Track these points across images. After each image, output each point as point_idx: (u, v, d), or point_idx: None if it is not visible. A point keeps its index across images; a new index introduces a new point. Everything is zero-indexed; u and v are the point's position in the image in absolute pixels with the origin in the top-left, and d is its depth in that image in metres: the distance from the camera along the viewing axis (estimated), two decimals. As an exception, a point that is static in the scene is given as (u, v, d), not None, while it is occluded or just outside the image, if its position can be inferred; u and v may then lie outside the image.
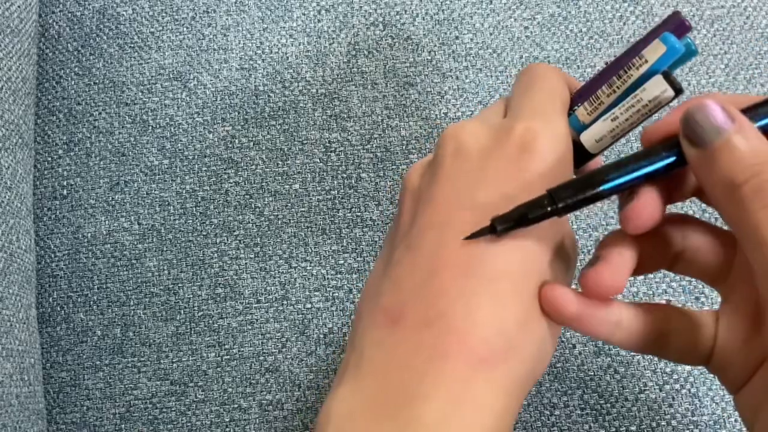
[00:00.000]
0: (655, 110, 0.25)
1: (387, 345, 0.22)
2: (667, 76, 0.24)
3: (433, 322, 0.22)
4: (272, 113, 0.46)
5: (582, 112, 0.27)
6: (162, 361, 0.42)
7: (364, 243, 0.43)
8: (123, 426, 0.41)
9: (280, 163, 0.45)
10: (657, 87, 0.25)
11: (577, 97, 0.28)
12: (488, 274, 0.22)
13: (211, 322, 0.42)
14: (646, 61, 0.25)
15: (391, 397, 0.21)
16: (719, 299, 0.40)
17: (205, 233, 0.44)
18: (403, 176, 0.28)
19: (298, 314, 0.42)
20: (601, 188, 0.23)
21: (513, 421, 0.22)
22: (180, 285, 0.43)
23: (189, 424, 0.41)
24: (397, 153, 0.45)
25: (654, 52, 0.25)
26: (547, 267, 0.24)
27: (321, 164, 0.45)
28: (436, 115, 0.45)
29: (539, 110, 0.25)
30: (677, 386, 0.39)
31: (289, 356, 0.41)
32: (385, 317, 0.23)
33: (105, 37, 0.49)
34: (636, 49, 0.26)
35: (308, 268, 0.43)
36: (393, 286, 0.23)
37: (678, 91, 0.24)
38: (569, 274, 0.26)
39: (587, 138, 0.26)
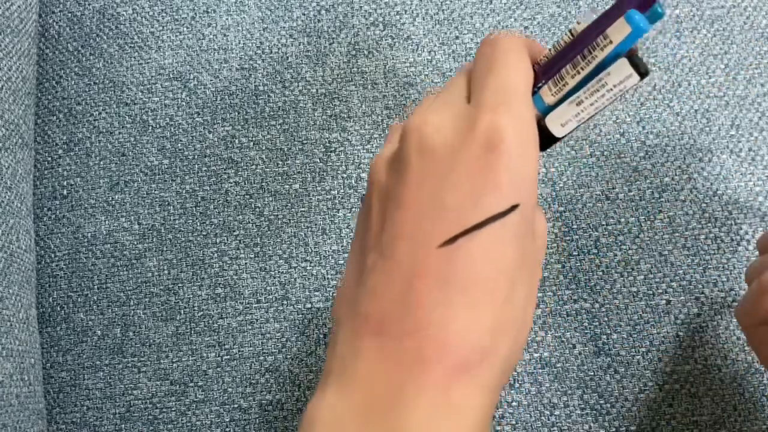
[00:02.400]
0: (621, 94, 0.24)
1: (369, 354, 0.23)
2: (632, 59, 0.24)
3: (412, 333, 0.23)
4: (272, 113, 0.46)
5: (546, 93, 0.26)
6: (162, 361, 0.42)
7: (364, 243, 0.43)
8: (123, 426, 0.41)
9: (280, 163, 0.45)
10: (622, 71, 0.24)
11: (542, 73, 0.27)
12: (461, 283, 0.23)
13: (211, 322, 0.42)
14: (611, 42, 0.24)
15: (375, 404, 0.22)
16: (718, 299, 0.40)
17: (205, 233, 0.44)
18: (370, 169, 0.28)
19: (298, 314, 0.42)
20: None
21: (492, 414, 0.23)
22: (180, 285, 0.43)
23: (189, 424, 0.41)
24: (397, 153, 0.45)
25: (618, 32, 0.24)
26: (520, 263, 0.24)
27: (321, 164, 0.45)
28: (436, 115, 0.45)
29: (503, 97, 0.24)
30: (677, 386, 0.39)
31: (289, 356, 0.41)
32: (365, 327, 0.23)
33: (105, 37, 0.49)
34: (602, 24, 0.25)
35: (308, 268, 0.43)
36: (371, 296, 0.24)
37: (643, 75, 0.24)
38: (541, 262, 0.27)
39: (552, 121, 0.26)
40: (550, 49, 0.27)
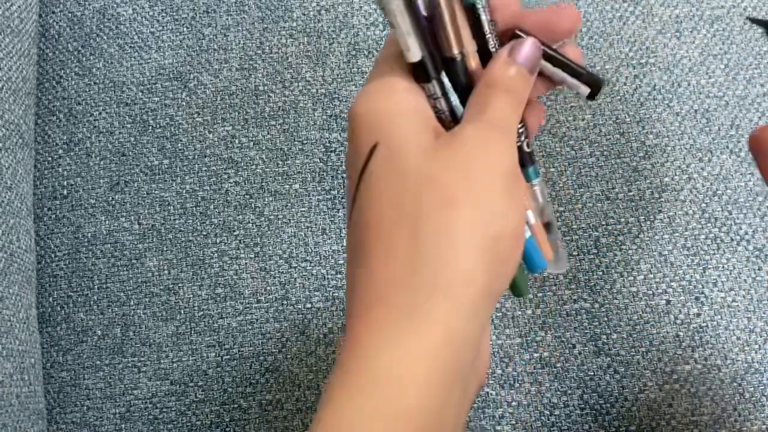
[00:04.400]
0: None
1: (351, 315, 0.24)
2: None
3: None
4: (272, 113, 0.46)
5: None
6: (162, 361, 0.42)
7: (364, 243, 0.43)
8: (123, 426, 0.41)
9: (280, 163, 0.45)
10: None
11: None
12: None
13: (211, 322, 0.42)
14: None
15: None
16: (718, 299, 0.40)
17: (205, 233, 0.44)
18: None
19: (298, 314, 0.42)
20: None
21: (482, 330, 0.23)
22: (180, 285, 0.43)
23: (189, 424, 0.41)
24: (397, 153, 0.45)
25: None
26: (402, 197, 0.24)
27: (321, 164, 0.45)
28: (436, 115, 0.45)
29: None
30: (677, 386, 0.39)
31: (289, 356, 0.41)
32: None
33: (105, 37, 0.49)
34: None
35: (308, 268, 0.43)
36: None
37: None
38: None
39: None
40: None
